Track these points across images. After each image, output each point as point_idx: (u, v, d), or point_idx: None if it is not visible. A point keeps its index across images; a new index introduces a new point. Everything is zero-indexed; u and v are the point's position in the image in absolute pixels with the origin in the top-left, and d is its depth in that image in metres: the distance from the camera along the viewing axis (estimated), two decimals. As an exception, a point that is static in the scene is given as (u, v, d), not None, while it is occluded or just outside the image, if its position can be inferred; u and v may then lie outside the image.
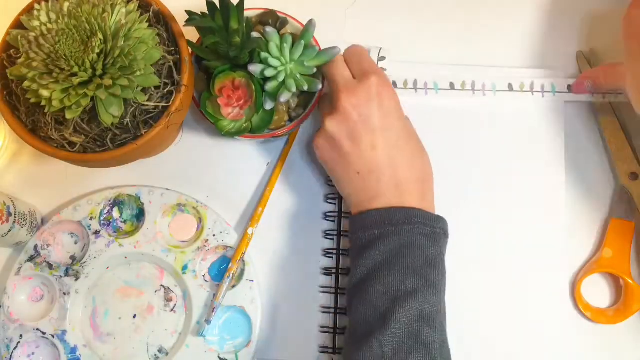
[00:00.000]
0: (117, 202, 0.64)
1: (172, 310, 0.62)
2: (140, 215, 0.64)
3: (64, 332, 0.60)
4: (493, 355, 0.62)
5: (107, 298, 0.62)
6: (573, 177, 0.64)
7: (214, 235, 0.63)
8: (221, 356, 0.61)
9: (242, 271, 0.62)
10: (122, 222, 0.64)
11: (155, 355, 0.61)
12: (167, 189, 0.64)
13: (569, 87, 0.65)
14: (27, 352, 0.61)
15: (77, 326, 0.61)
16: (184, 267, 0.62)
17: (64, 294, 0.61)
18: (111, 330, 0.62)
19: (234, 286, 0.62)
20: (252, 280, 0.62)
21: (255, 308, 0.62)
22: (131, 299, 0.62)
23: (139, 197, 0.64)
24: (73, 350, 0.60)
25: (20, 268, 0.62)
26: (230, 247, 0.63)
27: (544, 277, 0.62)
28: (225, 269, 0.62)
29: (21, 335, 0.60)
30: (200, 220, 0.64)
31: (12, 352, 0.60)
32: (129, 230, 0.64)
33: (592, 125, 0.66)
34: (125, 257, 0.62)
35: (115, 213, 0.64)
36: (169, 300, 0.62)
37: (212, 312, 0.60)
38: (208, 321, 0.60)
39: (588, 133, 0.66)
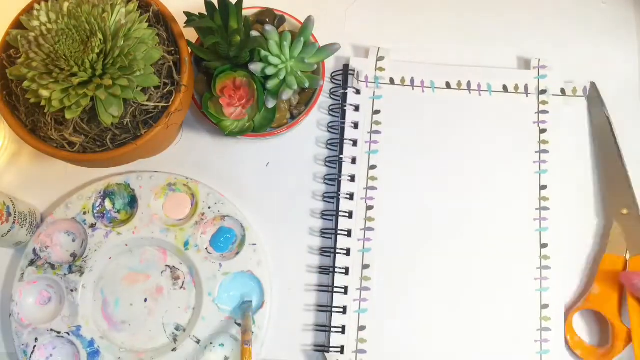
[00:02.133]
0: (107, 193, 0.62)
1: (181, 287, 0.60)
2: (132, 201, 0.61)
3: (79, 327, 0.58)
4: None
5: (115, 287, 0.60)
6: (564, 205, 0.61)
7: (209, 208, 0.61)
8: (238, 322, 0.59)
9: (244, 237, 0.60)
10: (115, 212, 0.62)
11: (173, 333, 0.59)
12: (155, 171, 0.61)
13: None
14: (45, 355, 0.58)
15: (90, 320, 0.59)
16: (186, 244, 0.60)
17: (71, 290, 0.59)
18: (125, 318, 0.60)
19: (237, 253, 0.60)
20: (255, 244, 0.60)
21: (263, 270, 0.59)
22: (139, 284, 0.60)
23: (129, 184, 0.61)
24: (91, 343, 0.58)
25: (22, 274, 0.59)
26: (228, 216, 0.61)
27: (534, 308, 0.59)
28: (225, 238, 0.61)
29: (36, 339, 0.58)
30: (193, 196, 0.61)
31: (30, 357, 0.58)
32: (124, 218, 0.61)
33: (585, 151, 0.63)
34: (126, 245, 0.60)
35: (108, 204, 0.62)
36: (176, 278, 0.60)
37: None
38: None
39: (581, 161, 0.63)
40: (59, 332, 0.58)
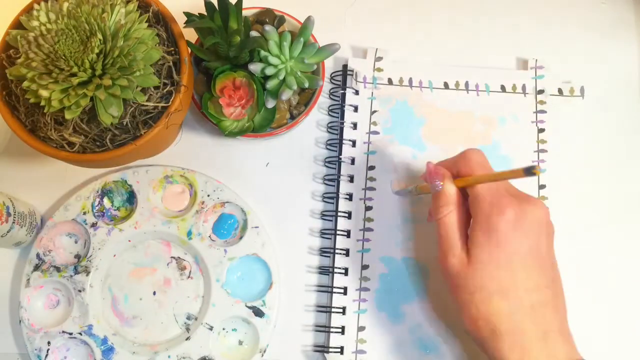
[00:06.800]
0: (105, 192, 0.60)
1: (188, 277, 0.59)
2: (131, 197, 0.60)
3: (90, 326, 0.56)
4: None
5: (122, 284, 0.58)
6: (563, 204, 0.60)
7: (208, 195, 0.59)
8: (248, 305, 0.57)
9: (245, 221, 0.59)
10: (115, 209, 0.60)
11: (185, 323, 0.58)
12: (151, 165, 0.60)
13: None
14: (59, 357, 0.56)
15: (101, 318, 0.57)
16: (189, 233, 0.58)
17: (79, 291, 0.57)
18: (136, 313, 0.58)
19: (241, 237, 0.58)
20: (257, 227, 0.58)
21: (268, 251, 0.58)
22: (146, 278, 0.59)
23: (125, 180, 0.59)
24: (104, 341, 0.56)
25: (28, 279, 0.57)
26: (228, 202, 0.59)
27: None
28: (227, 224, 0.60)
29: (49, 342, 0.56)
30: (190, 185, 0.59)
31: None
32: (124, 215, 0.60)
33: (583, 150, 0.62)
34: (129, 241, 0.59)
35: (107, 203, 0.60)
36: (182, 269, 0.59)
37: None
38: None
39: (579, 160, 0.62)
40: (71, 334, 0.56)
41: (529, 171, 0.41)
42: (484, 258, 0.45)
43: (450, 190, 0.49)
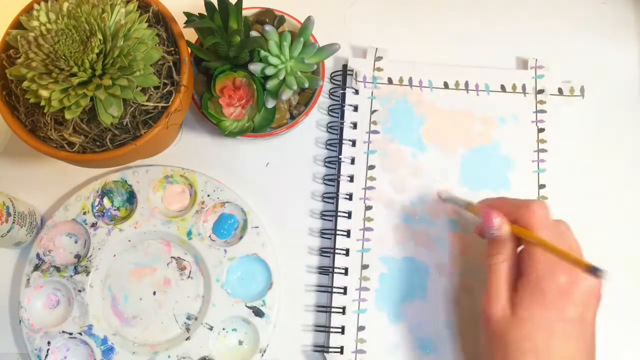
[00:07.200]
0: (105, 192, 0.59)
1: (188, 277, 0.59)
2: (131, 197, 0.60)
3: (90, 326, 0.56)
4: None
5: (122, 284, 0.58)
6: (563, 204, 0.59)
7: (208, 195, 0.59)
8: (248, 305, 0.57)
9: (245, 221, 0.58)
10: (115, 209, 0.60)
11: (185, 323, 0.58)
12: (150, 165, 0.60)
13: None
14: (59, 357, 0.56)
15: (101, 318, 0.57)
16: (189, 233, 0.58)
17: (79, 291, 0.57)
18: (136, 313, 0.58)
19: (241, 237, 0.58)
20: (257, 227, 0.58)
21: (268, 251, 0.58)
22: (146, 278, 0.59)
23: (125, 180, 0.59)
24: (104, 341, 0.56)
25: (28, 279, 0.57)
26: (228, 202, 0.59)
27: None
28: (227, 224, 0.59)
29: (49, 342, 0.56)
30: (190, 185, 0.59)
31: None
32: (124, 215, 0.60)
33: (583, 150, 0.62)
34: (129, 240, 0.58)
35: (107, 203, 0.60)
36: (182, 269, 0.59)
37: None
38: None
39: (579, 160, 0.62)
40: (71, 334, 0.56)
41: (594, 271, 0.43)
42: (526, 316, 0.46)
43: (506, 239, 0.49)
